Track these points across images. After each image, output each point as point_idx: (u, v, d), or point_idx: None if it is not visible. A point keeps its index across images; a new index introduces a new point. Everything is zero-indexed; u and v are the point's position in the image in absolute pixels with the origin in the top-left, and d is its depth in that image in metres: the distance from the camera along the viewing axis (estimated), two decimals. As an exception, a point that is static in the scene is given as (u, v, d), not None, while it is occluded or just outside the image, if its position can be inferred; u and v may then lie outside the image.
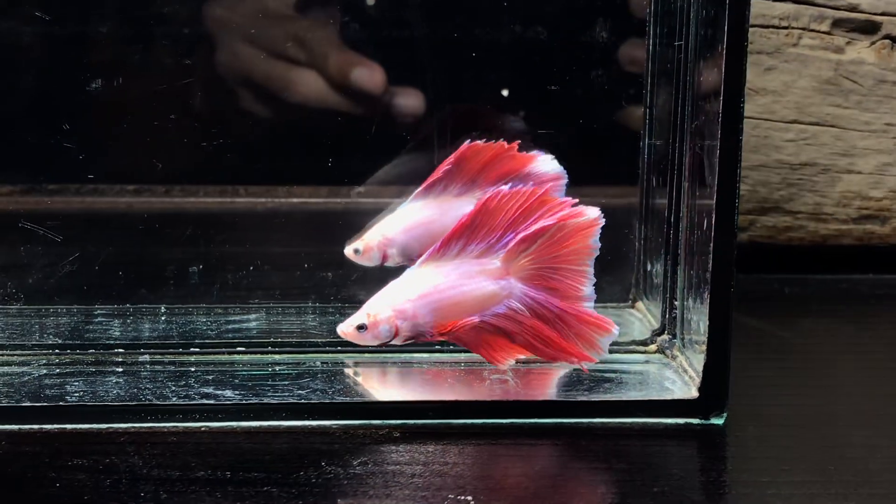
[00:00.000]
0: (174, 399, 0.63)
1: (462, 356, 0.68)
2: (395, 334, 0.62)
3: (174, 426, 0.61)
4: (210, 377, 0.66)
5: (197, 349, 0.69)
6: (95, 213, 0.75)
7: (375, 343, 0.63)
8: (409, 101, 0.73)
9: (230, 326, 0.74)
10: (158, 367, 0.68)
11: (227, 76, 0.72)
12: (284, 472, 0.56)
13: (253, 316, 0.75)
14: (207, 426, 0.62)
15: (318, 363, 0.68)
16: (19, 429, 0.61)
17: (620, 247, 0.76)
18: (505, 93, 0.74)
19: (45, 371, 0.67)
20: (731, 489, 0.55)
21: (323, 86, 0.72)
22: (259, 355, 0.69)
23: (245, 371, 0.67)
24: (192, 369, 0.67)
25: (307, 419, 0.62)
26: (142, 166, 0.74)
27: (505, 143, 0.68)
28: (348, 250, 0.70)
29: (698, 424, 0.62)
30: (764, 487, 0.55)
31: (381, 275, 0.68)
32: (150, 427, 0.61)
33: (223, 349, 0.69)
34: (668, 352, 0.69)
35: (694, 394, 0.63)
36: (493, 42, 0.73)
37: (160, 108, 0.72)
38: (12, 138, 0.72)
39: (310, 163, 0.75)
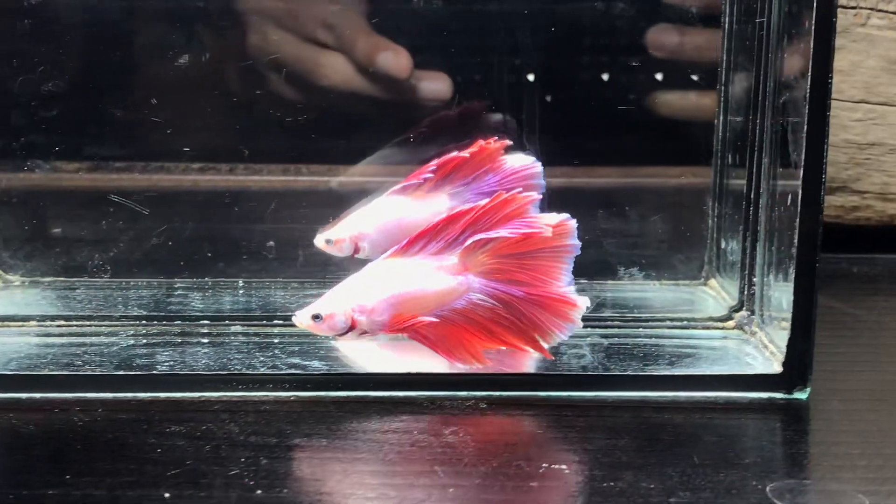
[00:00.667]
0: (263, 369, 0.64)
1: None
2: (352, 327, 0.62)
3: (265, 395, 0.63)
4: (295, 348, 0.67)
5: (280, 321, 0.71)
6: (177, 189, 0.76)
7: (330, 334, 0.63)
8: (436, 84, 0.73)
9: (308, 301, 0.75)
10: (243, 339, 0.69)
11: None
12: (378, 441, 0.57)
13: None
14: (297, 395, 0.63)
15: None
16: (113, 397, 0.62)
17: (693, 225, 0.77)
18: (531, 77, 0.74)
19: (132, 342, 0.68)
20: (820, 461, 0.56)
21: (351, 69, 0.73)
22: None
23: (327, 343, 0.68)
24: (276, 341, 0.69)
25: (394, 390, 0.63)
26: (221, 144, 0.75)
27: (482, 142, 0.69)
28: (319, 239, 0.70)
29: (782, 399, 0.63)
30: (854, 459, 0.56)
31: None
32: (240, 396, 0.63)
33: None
34: (746, 328, 0.70)
35: (777, 368, 0.63)
36: (571, 15, 0.73)
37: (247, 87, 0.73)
38: (100, 113, 0.73)
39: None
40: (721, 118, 0.75)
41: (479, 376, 0.64)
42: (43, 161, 0.73)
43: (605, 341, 0.69)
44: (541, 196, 0.65)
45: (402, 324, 0.62)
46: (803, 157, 0.61)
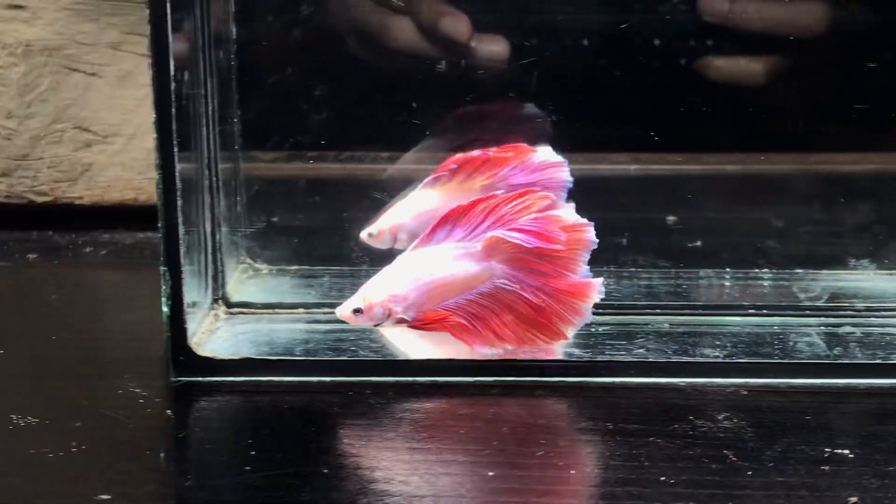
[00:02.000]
0: (526, 357, 0.68)
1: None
2: (389, 316, 0.66)
3: (534, 381, 0.67)
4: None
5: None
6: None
7: (371, 325, 0.67)
8: (495, 47, 0.76)
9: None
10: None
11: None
12: (660, 425, 0.61)
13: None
14: (565, 381, 0.67)
15: (649, 324, 0.73)
16: (396, 381, 0.67)
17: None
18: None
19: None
20: None
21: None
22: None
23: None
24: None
25: (655, 376, 0.67)
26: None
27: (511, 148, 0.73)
28: (363, 234, 0.75)
29: None
30: None
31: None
32: (512, 381, 0.67)
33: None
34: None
35: None
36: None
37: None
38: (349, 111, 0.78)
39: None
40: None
41: (742, 364, 0.67)
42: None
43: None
44: (566, 190, 0.72)
45: (432, 319, 0.66)
46: None
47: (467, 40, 0.76)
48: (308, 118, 0.77)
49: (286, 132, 0.78)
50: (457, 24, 0.76)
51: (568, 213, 0.67)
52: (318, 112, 0.77)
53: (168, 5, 0.63)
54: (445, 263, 0.66)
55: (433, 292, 0.66)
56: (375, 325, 0.68)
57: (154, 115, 0.64)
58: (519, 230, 0.66)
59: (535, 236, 0.66)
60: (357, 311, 0.67)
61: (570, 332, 0.68)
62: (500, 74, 0.76)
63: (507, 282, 0.67)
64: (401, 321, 0.67)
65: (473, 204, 0.67)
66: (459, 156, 0.73)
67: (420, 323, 0.67)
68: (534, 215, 0.66)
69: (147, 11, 0.65)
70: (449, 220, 0.67)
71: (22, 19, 0.94)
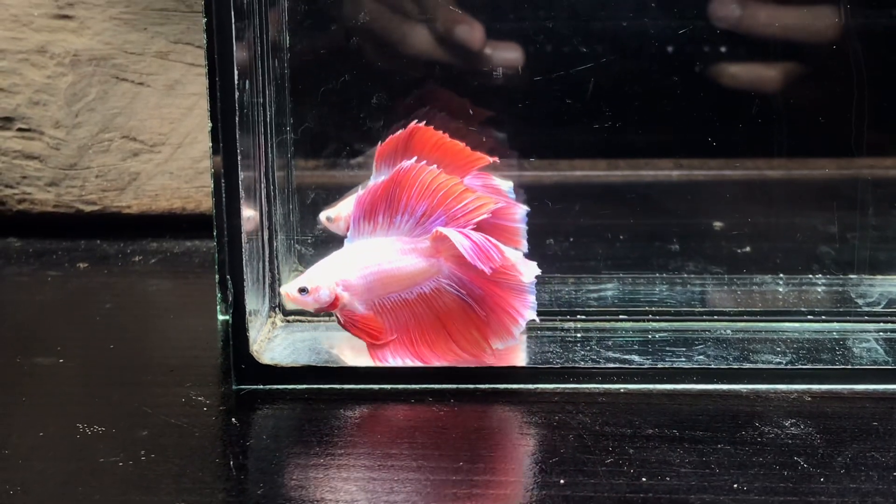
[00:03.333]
0: (587, 363, 0.68)
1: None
2: (335, 301, 0.66)
3: (595, 388, 0.67)
4: (609, 342, 0.71)
5: (583, 317, 0.75)
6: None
7: (314, 307, 0.67)
8: (509, 54, 0.76)
9: (592, 296, 0.79)
10: (556, 333, 0.73)
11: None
12: (727, 431, 0.61)
13: (609, 286, 0.80)
14: (626, 388, 0.67)
15: (706, 330, 0.73)
16: (456, 388, 0.67)
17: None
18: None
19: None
20: None
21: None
22: (639, 322, 0.75)
23: (632, 337, 0.72)
24: (581, 335, 0.73)
25: (716, 383, 0.67)
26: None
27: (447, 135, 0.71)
28: (322, 215, 0.76)
29: None
30: None
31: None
32: (573, 388, 0.67)
33: (605, 317, 0.75)
34: None
35: None
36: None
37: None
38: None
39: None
40: None
41: (802, 371, 0.67)
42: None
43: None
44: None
45: (371, 328, 0.66)
46: None
47: (481, 47, 0.76)
48: (362, 125, 0.77)
49: (340, 140, 0.78)
50: (471, 32, 0.76)
51: (516, 254, 0.67)
52: (373, 119, 0.77)
53: (232, 14, 0.63)
54: (394, 256, 0.66)
55: (380, 283, 0.66)
56: (316, 311, 0.67)
57: (215, 125, 0.64)
58: (467, 236, 0.65)
59: (477, 250, 0.64)
60: (303, 290, 0.67)
61: (497, 347, 0.67)
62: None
63: (451, 283, 0.66)
64: (344, 310, 0.67)
65: (396, 183, 0.66)
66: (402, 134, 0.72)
67: (353, 324, 0.67)
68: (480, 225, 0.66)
69: (204, 21, 0.65)
70: (380, 203, 0.66)
71: (70, 29, 0.95)
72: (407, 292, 0.67)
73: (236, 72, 0.64)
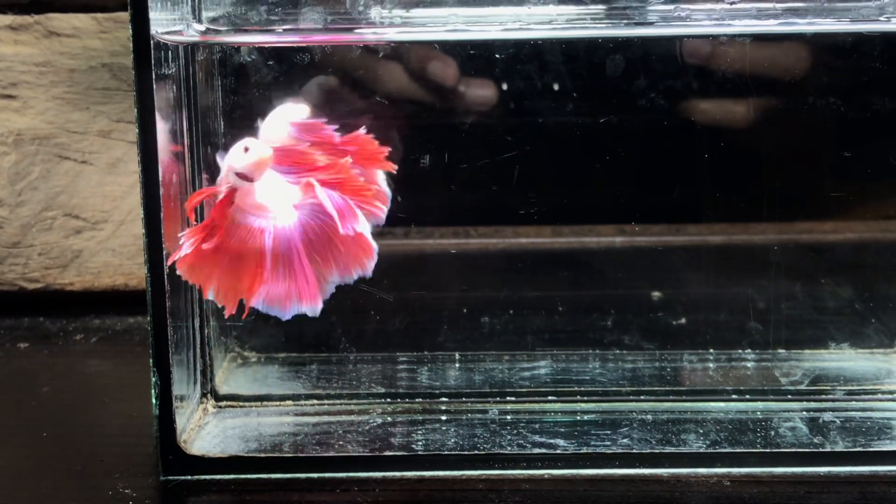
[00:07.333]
0: (513, 448, 0.69)
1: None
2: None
3: (520, 473, 0.68)
4: (536, 426, 0.72)
5: (512, 398, 0.76)
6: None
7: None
8: (483, 91, 0.77)
9: (525, 374, 0.80)
10: (479, 416, 0.74)
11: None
12: (644, 520, 0.62)
13: (542, 363, 0.81)
14: (550, 473, 0.68)
15: (633, 411, 0.74)
16: (382, 476, 0.68)
17: (887, 290, 0.81)
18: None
19: (380, 420, 0.73)
20: None
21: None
22: (568, 404, 0.75)
23: (560, 419, 0.73)
24: (511, 418, 0.74)
25: (638, 467, 0.68)
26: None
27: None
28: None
29: None
30: None
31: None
32: (498, 474, 0.68)
33: (534, 398, 0.76)
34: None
35: None
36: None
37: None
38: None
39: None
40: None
41: (720, 455, 0.68)
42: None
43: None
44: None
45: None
46: None
47: (454, 84, 0.77)
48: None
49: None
50: (444, 69, 0.77)
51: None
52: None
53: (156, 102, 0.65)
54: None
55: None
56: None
57: (143, 214, 0.65)
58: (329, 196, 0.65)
59: (336, 210, 0.65)
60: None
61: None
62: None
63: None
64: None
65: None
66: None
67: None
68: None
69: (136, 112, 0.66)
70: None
71: (13, 109, 0.95)
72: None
73: (160, 169, 0.65)
